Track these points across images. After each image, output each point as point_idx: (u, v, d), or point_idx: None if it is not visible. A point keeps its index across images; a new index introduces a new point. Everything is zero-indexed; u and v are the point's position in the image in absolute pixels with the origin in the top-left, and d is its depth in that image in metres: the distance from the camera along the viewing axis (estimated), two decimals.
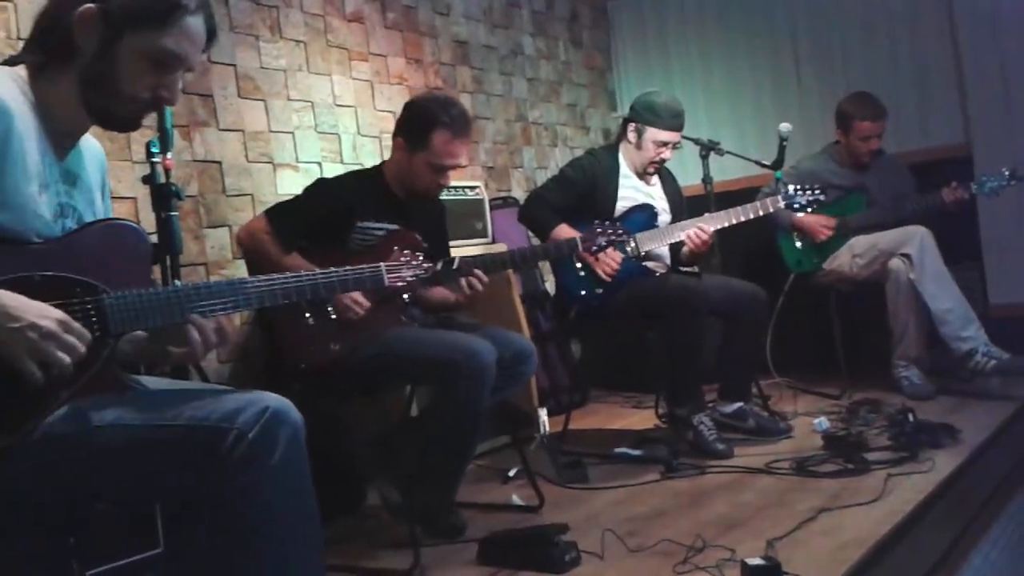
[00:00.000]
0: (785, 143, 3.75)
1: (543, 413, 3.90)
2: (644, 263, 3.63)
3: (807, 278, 4.36)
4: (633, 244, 3.54)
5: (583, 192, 3.64)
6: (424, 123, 2.88)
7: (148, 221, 2.58)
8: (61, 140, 1.66)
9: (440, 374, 2.67)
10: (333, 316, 2.55)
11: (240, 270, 3.33)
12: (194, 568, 1.57)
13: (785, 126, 3.75)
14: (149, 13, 1.58)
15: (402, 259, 2.10)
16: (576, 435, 3.93)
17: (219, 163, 3.48)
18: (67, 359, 1.43)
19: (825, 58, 5.24)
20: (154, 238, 1.84)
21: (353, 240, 2.84)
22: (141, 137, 1.95)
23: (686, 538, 2.46)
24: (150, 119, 1.74)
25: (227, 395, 1.57)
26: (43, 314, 1.42)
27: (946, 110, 4.88)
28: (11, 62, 1.64)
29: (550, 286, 4.57)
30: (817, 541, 2.41)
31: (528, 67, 5.32)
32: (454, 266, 2.72)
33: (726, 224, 3.56)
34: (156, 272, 2.21)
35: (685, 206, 3.86)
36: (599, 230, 3.12)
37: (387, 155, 3.09)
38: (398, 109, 3.04)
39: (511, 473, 3.41)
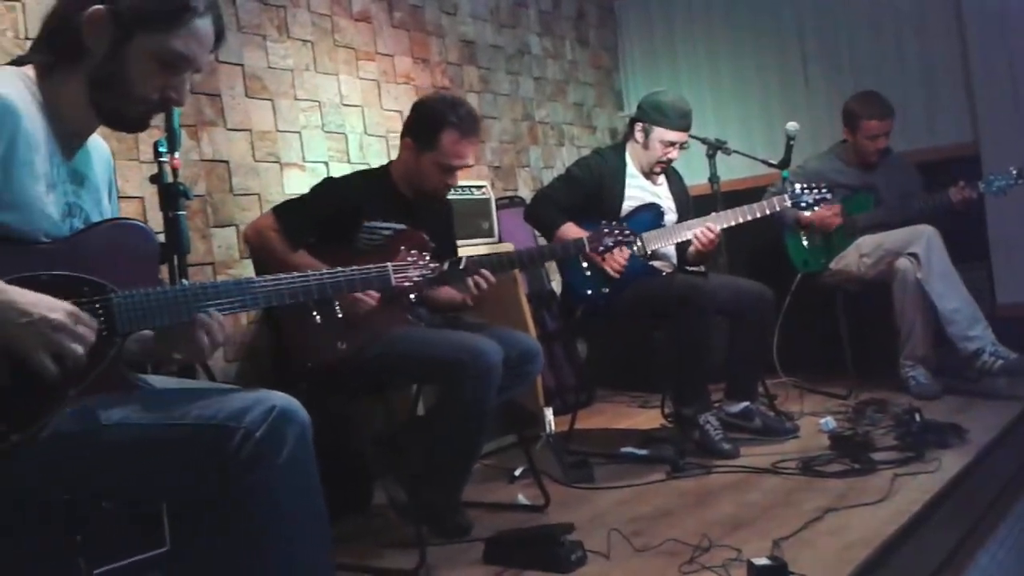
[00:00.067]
0: (792, 142, 3.74)
1: (549, 412, 3.90)
2: (650, 262, 3.63)
3: (814, 278, 4.35)
4: (639, 243, 3.54)
5: (589, 191, 3.64)
6: (432, 123, 2.89)
7: (156, 220, 2.59)
8: (69, 140, 1.67)
9: (447, 374, 2.67)
10: (340, 315, 2.57)
11: (247, 270, 3.34)
12: (201, 567, 1.58)
13: (792, 125, 3.74)
14: (159, 15, 1.58)
15: (409, 259, 2.10)
16: (582, 434, 3.93)
17: (226, 162, 3.49)
18: (80, 350, 1.44)
19: (832, 57, 5.23)
20: (162, 237, 1.85)
21: (360, 240, 2.84)
22: (149, 137, 1.96)
23: (692, 538, 2.46)
24: (158, 119, 1.75)
25: (234, 394, 1.58)
26: (53, 307, 1.43)
27: (954, 109, 4.87)
28: (19, 62, 1.65)
29: (556, 285, 4.57)
30: (823, 541, 2.40)
31: (535, 66, 5.32)
32: (461, 266, 2.72)
33: (733, 223, 3.56)
34: (163, 271, 2.21)
35: (691, 205, 3.86)
36: (606, 231, 3.12)
37: (394, 155, 3.09)
38: (405, 109, 3.05)
39: (517, 472, 3.41)
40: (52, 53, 1.62)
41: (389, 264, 2.01)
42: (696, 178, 4.10)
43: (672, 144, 3.63)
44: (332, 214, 2.85)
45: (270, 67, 3.71)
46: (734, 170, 4.46)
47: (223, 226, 3.44)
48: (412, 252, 2.14)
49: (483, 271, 2.78)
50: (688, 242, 3.59)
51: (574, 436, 3.82)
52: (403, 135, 2.99)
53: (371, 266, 1.96)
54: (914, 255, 3.97)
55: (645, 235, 3.56)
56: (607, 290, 3.52)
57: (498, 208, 4.32)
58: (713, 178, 3.72)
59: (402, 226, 2.88)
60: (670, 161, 3.70)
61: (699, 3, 5.69)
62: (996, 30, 4.67)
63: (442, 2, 4.69)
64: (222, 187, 3.47)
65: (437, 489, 2.77)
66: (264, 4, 3.72)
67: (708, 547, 2.40)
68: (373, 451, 3.17)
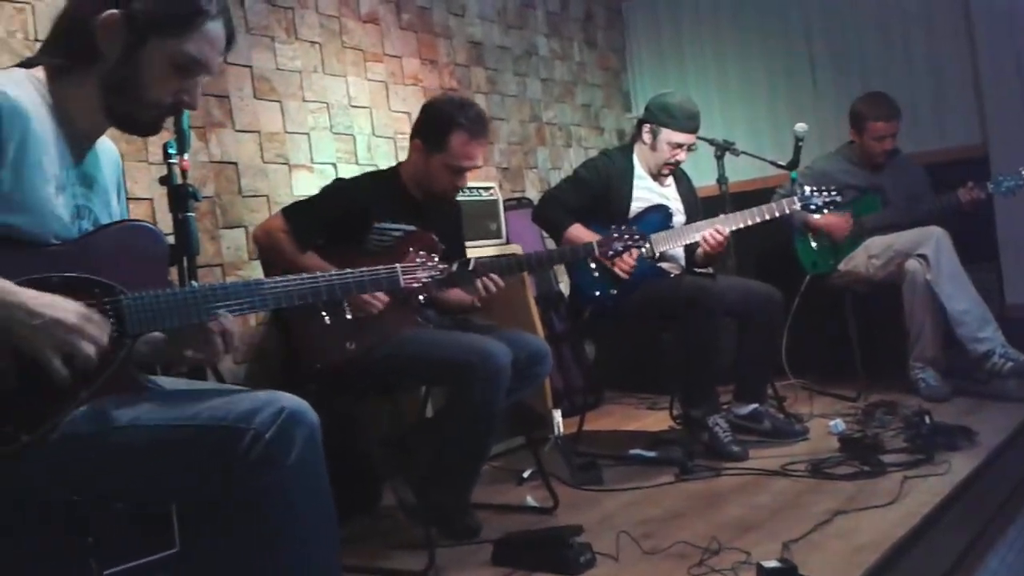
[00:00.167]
0: (801, 143, 3.73)
1: (557, 414, 3.90)
2: (658, 264, 3.62)
3: (823, 279, 4.34)
4: (648, 245, 3.53)
5: (597, 193, 3.63)
6: (442, 125, 2.89)
7: (165, 222, 2.59)
8: (79, 143, 1.67)
9: (456, 375, 2.67)
10: (349, 316, 2.57)
11: (256, 271, 3.34)
12: (210, 568, 1.57)
13: (801, 126, 3.73)
14: (173, 19, 1.59)
15: (418, 260, 2.10)
16: (590, 436, 3.93)
17: (235, 164, 3.49)
18: (91, 351, 1.44)
19: (840, 58, 5.22)
20: (171, 239, 1.85)
21: (370, 241, 2.85)
22: (158, 139, 1.96)
23: (701, 540, 2.45)
24: (167, 121, 1.75)
25: (244, 396, 1.58)
26: (65, 309, 1.44)
27: (962, 110, 4.85)
28: (28, 64, 1.65)
29: (564, 287, 4.57)
30: (833, 544, 2.40)
31: (542, 68, 5.32)
32: (470, 267, 2.72)
33: (742, 225, 3.55)
34: (173, 273, 2.21)
35: (700, 207, 3.85)
36: (615, 235, 3.11)
37: (402, 156, 3.10)
38: (413, 110, 3.06)
39: (525, 474, 3.41)
40: (63, 56, 1.62)
41: (398, 265, 2.01)
42: (704, 179, 4.10)
43: (680, 145, 3.63)
44: (341, 215, 2.85)
45: (278, 69, 3.72)
46: (742, 171, 4.44)
47: (232, 227, 3.45)
48: (421, 253, 2.14)
49: (492, 275, 2.79)
50: (696, 244, 3.59)
51: (582, 438, 3.81)
52: (412, 136, 2.99)
53: (380, 267, 1.96)
54: (923, 256, 3.96)
55: (653, 237, 3.55)
56: (615, 292, 3.52)
57: (506, 209, 4.32)
58: (721, 179, 3.71)
59: (411, 227, 2.88)
60: (678, 163, 3.70)
61: (707, 4, 5.68)
62: (1005, 31, 4.65)
63: (450, 3, 4.69)
64: (231, 188, 3.47)
65: (446, 490, 2.77)
66: (272, 6, 3.72)
67: (717, 550, 2.39)
68: (382, 452, 3.17)
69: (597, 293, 3.55)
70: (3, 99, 1.48)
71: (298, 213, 2.86)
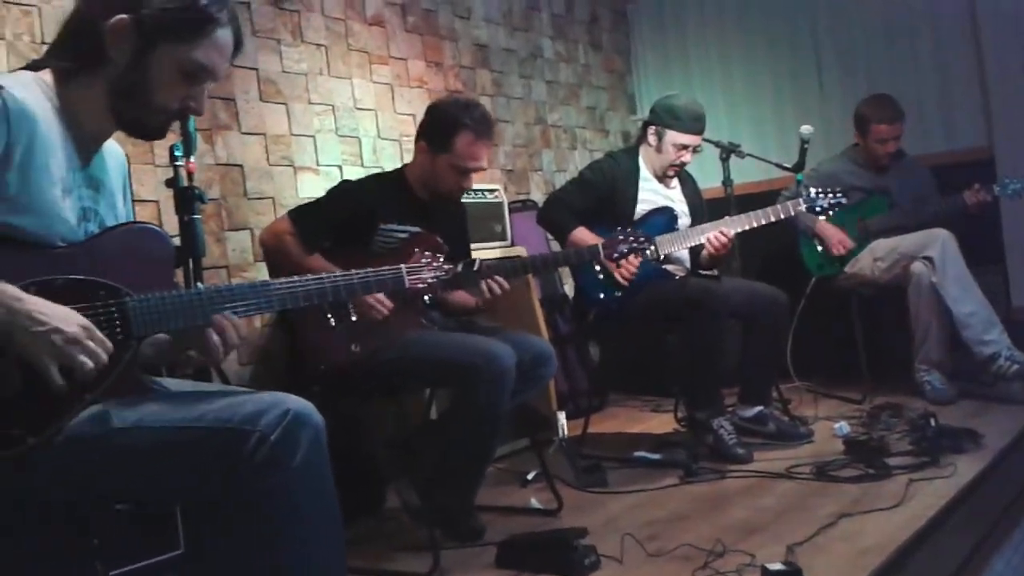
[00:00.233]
0: (806, 145, 3.72)
1: (562, 416, 3.90)
2: (663, 266, 3.62)
3: (828, 281, 4.34)
4: (652, 247, 3.53)
5: (602, 195, 3.63)
6: (447, 126, 2.90)
7: (171, 224, 2.59)
8: (85, 146, 1.68)
9: (460, 377, 2.67)
10: (354, 318, 2.57)
11: (262, 273, 3.35)
12: (215, 569, 1.58)
13: (806, 128, 3.72)
14: (183, 26, 1.59)
15: (423, 261, 2.11)
16: (595, 439, 3.93)
17: (241, 166, 3.50)
18: (90, 364, 1.44)
19: (846, 60, 5.21)
20: (177, 241, 1.85)
21: (376, 242, 2.85)
22: (164, 141, 1.96)
23: (706, 543, 2.45)
24: (173, 124, 1.76)
25: (249, 397, 1.58)
26: (67, 319, 1.43)
27: (968, 112, 4.84)
28: (35, 66, 1.66)
29: (569, 289, 4.57)
30: (838, 546, 2.40)
31: (547, 70, 5.32)
32: (475, 267, 2.72)
33: (747, 227, 3.55)
34: (179, 275, 2.22)
35: (705, 209, 3.85)
36: (621, 237, 3.11)
37: (407, 158, 3.10)
38: (418, 112, 3.06)
39: (530, 476, 3.41)
40: (71, 59, 1.62)
41: (403, 266, 2.01)
42: (709, 181, 4.10)
43: (685, 147, 3.63)
44: (347, 217, 2.86)
45: (284, 71, 3.73)
46: (747, 173, 4.44)
47: (237, 230, 3.46)
48: (426, 254, 2.14)
49: (497, 277, 2.79)
50: (701, 246, 3.59)
51: (587, 440, 3.81)
52: (418, 138, 3.00)
53: (385, 267, 1.96)
54: (929, 259, 3.95)
55: (658, 239, 3.54)
56: (619, 294, 3.52)
57: (511, 211, 4.32)
58: (726, 181, 3.72)
59: (417, 229, 2.89)
60: (683, 164, 3.70)
61: (712, 6, 5.68)
62: (1011, 33, 4.64)
63: (455, 6, 4.69)
64: (236, 191, 3.48)
65: (450, 492, 2.78)
66: (278, 9, 3.73)
67: (722, 552, 2.39)
68: (386, 454, 3.18)
69: (602, 295, 3.55)
70: (10, 101, 1.48)
71: (304, 216, 2.87)
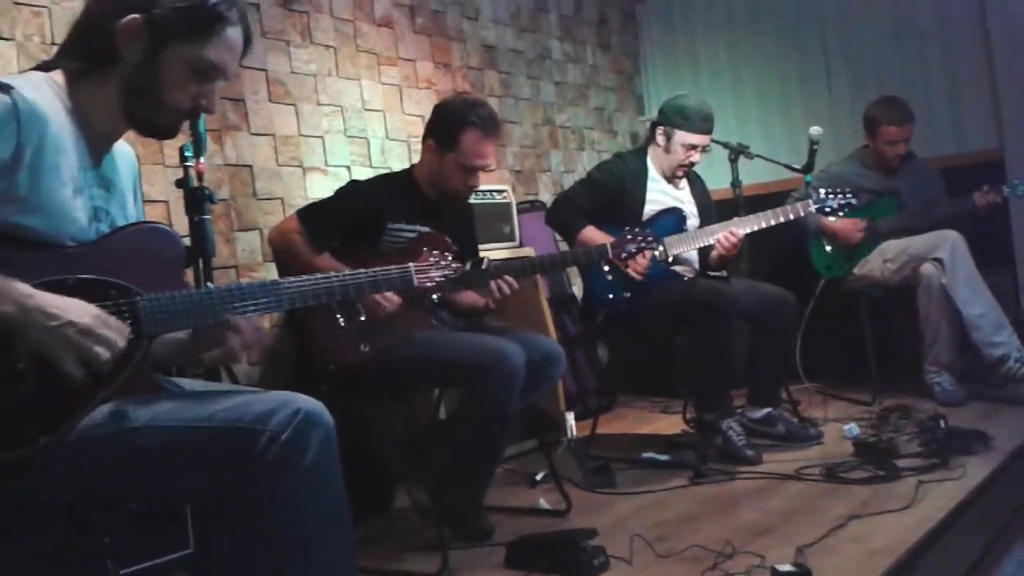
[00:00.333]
0: (816, 147, 3.71)
1: (570, 417, 3.89)
2: (672, 267, 3.62)
3: (837, 283, 4.33)
4: (661, 248, 3.52)
5: (611, 195, 3.63)
6: (454, 124, 2.90)
7: (180, 224, 2.60)
8: (97, 145, 1.68)
9: (469, 377, 2.67)
10: (363, 318, 2.58)
11: (271, 273, 3.35)
12: (225, 569, 1.58)
13: (816, 130, 3.71)
14: (194, 25, 1.60)
15: (431, 260, 2.11)
16: (603, 439, 3.92)
17: (250, 167, 3.51)
18: (107, 354, 1.45)
19: (855, 61, 5.20)
20: (187, 241, 1.86)
21: (384, 242, 2.86)
22: (174, 142, 1.97)
23: (715, 544, 2.45)
24: (184, 124, 1.76)
25: (259, 397, 1.58)
26: (81, 311, 1.44)
27: (978, 114, 4.83)
28: (46, 67, 1.66)
29: (577, 289, 4.57)
30: (847, 548, 2.39)
31: (556, 71, 5.32)
32: (483, 267, 2.72)
33: (756, 228, 3.54)
34: (188, 275, 2.23)
35: (714, 210, 3.85)
36: (629, 237, 3.11)
37: (415, 159, 3.10)
38: (426, 113, 3.06)
39: (538, 477, 3.41)
40: (82, 59, 1.63)
41: (411, 265, 2.01)
42: (718, 183, 4.09)
43: (694, 147, 3.62)
44: (356, 217, 2.86)
45: (293, 72, 3.73)
46: (756, 175, 4.43)
47: (247, 230, 3.46)
48: (435, 253, 2.14)
49: (506, 276, 2.79)
50: (710, 247, 3.58)
51: (595, 441, 3.81)
52: (425, 137, 3.00)
53: (393, 267, 1.96)
54: (939, 260, 3.94)
55: (667, 240, 3.54)
56: (628, 294, 3.51)
57: (519, 212, 4.32)
58: (735, 183, 3.70)
59: (425, 228, 2.89)
60: (692, 165, 3.69)
61: (721, 7, 5.67)
62: (1021, 35, 4.62)
63: (463, 7, 4.70)
64: (246, 191, 3.49)
65: (459, 492, 2.78)
66: (287, 10, 3.74)
67: (731, 554, 2.38)
68: (395, 454, 3.18)
69: (610, 296, 3.55)
70: (21, 102, 1.49)
71: (313, 215, 2.87)
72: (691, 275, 3.68)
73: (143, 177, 1.99)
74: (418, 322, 2.80)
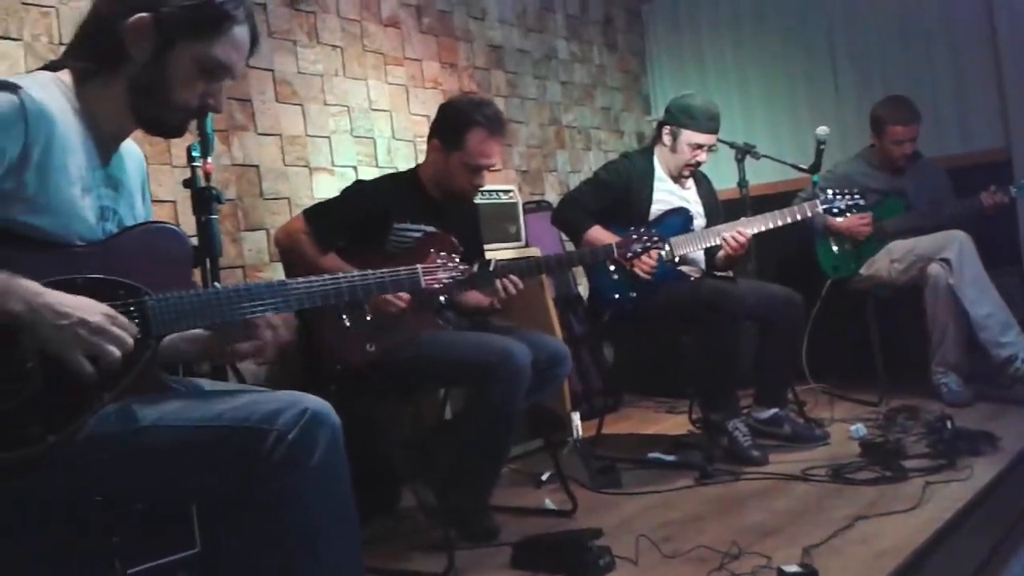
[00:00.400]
0: (822, 147, 3.71)
1: (576, 417, 3.90)
2: (678, 267, 3.61)
3: (844, 283, 4.32)
4: (668, 248, 3.52)
5: (618, 195, 3.63)
6: (459, 123, 2.90)
7: (188, 224, 2.61)
8: (105, 144, 1.69)
9: (475, 376, 2.68)
10: (369, 317, 2.58)
11: (277, 272, 3.36)
12: (232, 568, 1.58)
13: (823, 130, 3.70)
14: (202, 24, 1.60)
15: (438, 261, 2.11)
16: (609, 440, 3.92)
17: (257, 167, 3.52)
18: (117, 352, 1.46)
19: (862, 61, 5.19)
20: (194, 241, 1.87)
21: (390, 242, 2.86)
22: (181, 141, 1.99)
23: (721, 545, 2.44)
24: (191, 124, 1.77)
25: (267, 396, 1.59)
26: (90, 310, 1.45)
27: (985, 114, 4.81)
28: (54, 67, 1.67)
29: (583, 289, 4.57)
30: (854, 549, 2.39)
31: (562, 71, 5.32)
32: (491, 268, 2.73)
33: (763, 228, 3.54)
34: (196, 275, 2.23)
35: (721, 210, 3.84)
36: (634, 236, 3.11)
37: (422, 159, 3.10)
38: (433, 113, 3.07)
39: (544, 477, 3.41)
40: (90, 59, 1.63)
41: (419, 266, 2.02)
42: (725, 183, 4.09)
43: (700, 147, 3.62)
44: (362, 217, 2.87)
45: (300, 72, 3.74)
46: (763, 175, 4.42)
47: (253, 230, 3.47)
48: (442, 254, 2.14)
49: (511, 276, 2.79)
50: (717, 247, 3.58)
51: (601, 441, 3.81)
52: (430, 137, 3.00)
53: (401, 268, 1.96)
54: (946, 260, 3.93)
55: (674, 240, 3.54)
56: (634, 294, 3.51)
57: (525, 212, 4.32)
58: (742, 183, 3.70)
59: (431, 228, 2.89)
60: (698, 164, 3.69)
61: (727, 7, 5.66)
62: None
63: (470, 7, 4.70)
64: (252, 191, 3.49)
65: (465, 492, 2.78)
66: (294, 10, 3.74)
67: (737, 554, 2.38)
68: (401, 454, 3.18)
69: (616, 296, 3.55)
70: (28, 102, 1.49)
71: (319, 215, 2.88)
72: (697, 275, 3.68)
73: (150, 177, 1.99)
74: (424, 322, 2.80)
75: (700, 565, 2.35)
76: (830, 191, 3.57)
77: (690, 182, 3.78)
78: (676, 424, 4.25)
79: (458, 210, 3.09)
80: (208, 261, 2.27)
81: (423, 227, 2.89)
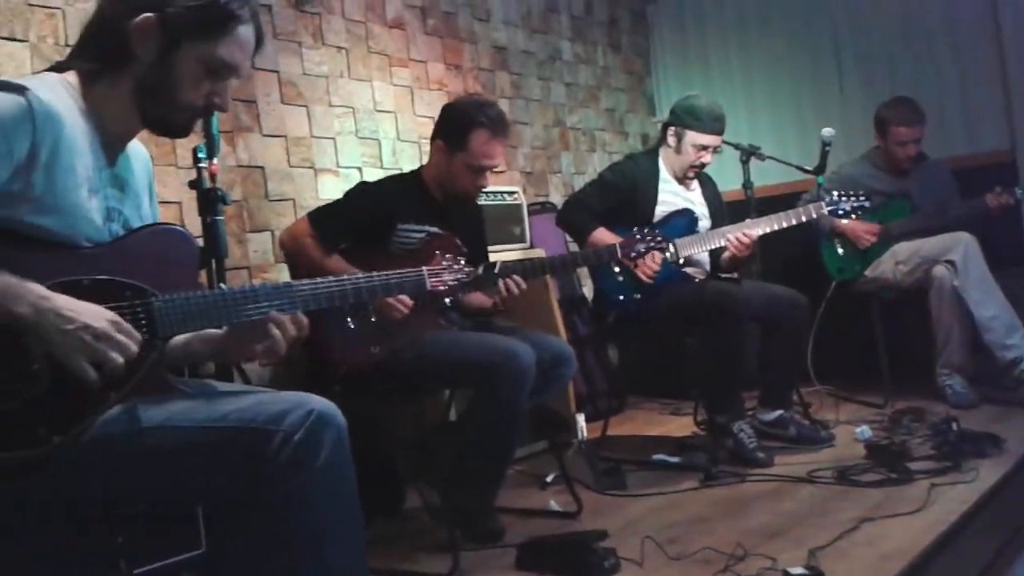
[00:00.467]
0: (828, 148, 3.70)
1: (581, 419, 3.90)
2: (683, 268, 3.61)
3: (849, 285, 4.31)
4: (672, 249, 3.51)
5: (622, 196, 3.63)
6: (462, 124, 2.91)
7: (193, 225, 2.61)
8: (111, 145, 1.69)
9: (479, 376, 2.68)
10: (373, 319, 2.58)
11: (282, 274, 3.36)
12: (238, 569, 1.58)
13: (828, 131, 3.70)
14: (207, 23, 1.61)
15: (443, 263, 2.11)
16: (614, 441, 3.92)
17: (262, 168, 3.52)
18: (120, 359, 1.46)
19: (867, 62, 5.18)
20: (199, 242, 1.87)
21: (394, 243, 2.86)
22: (187, 143, 1.98)
23: (726, 546, 2.44)
24: (197, 125, 1.77)
25: (273, 397, 1.59)
26: (96, 315, 1.45)
27: (990, 115, 4.81)
28: (60, 68, 1.67)
29: (588, 291, 4.56)
30: (859, 551, 2.38)
31: (566, 72, 5.32)
32: (496, 270, 2.73)
33: (768, 229, 3.53)
34: (202, 276, 2.24)
35: (725, 211, 3.84)
36: (638, 237, 3.11)
37: (426, 160, 3.10)
38: (437, 114, 3.06)
39: (549, 479, 3.41)
40: (96, 59, 1.64)
41: (424, 268, 2.02)
42: (729, 184, 4.08)
43: (705, 148, 3.61)
44: (366, 218, 2.87)
45: (305, 74, 3.74)
46: (768, 176, 4.42)
47: (259, 231, 3.47)
48: (447, 256, 2.14)
49: (515, 276, 2.79)
50: (721, 248, 3.57)
51: (606, 442, 3.81)
52: (433, 138, 3.01)
53: (407, 270, 1.97)
54: (951, 262, 3.93)
55: (678, 241, 3.54)
56: (639, 296, 3.51)
57: (530, 214, 4.32)
58: (747, 184, 3.69)
59: (435, 229, 2.89)
60: (703, 165, 3.68)
61: (732, 8, 5.66)
62: None
63: (475, 9, 4.70)
64: (257, 192, 3.50)
65: (469, 493, 2.78)
66: (299, 11, 3.75)
67: (743, 556, 2.38)
68: (406, 455, 3.18)
69: (621, 297, 3.54)
70: (36, 103, 1.49)
71: (323, 217, 2.88)
72: (702, 277, 3.67)
73: (156, 178, 2.00)
74: (428, 323, 2.80)
75: (705, 567, 2.35)
76: (835, 193, 3.57)
77: (695, 184, 3.78)
78: (681, 426, 4.25)
79: (462, 211, 3.09)
80: (214, 262, 2.27)
81: (427, 228, 2.89)
